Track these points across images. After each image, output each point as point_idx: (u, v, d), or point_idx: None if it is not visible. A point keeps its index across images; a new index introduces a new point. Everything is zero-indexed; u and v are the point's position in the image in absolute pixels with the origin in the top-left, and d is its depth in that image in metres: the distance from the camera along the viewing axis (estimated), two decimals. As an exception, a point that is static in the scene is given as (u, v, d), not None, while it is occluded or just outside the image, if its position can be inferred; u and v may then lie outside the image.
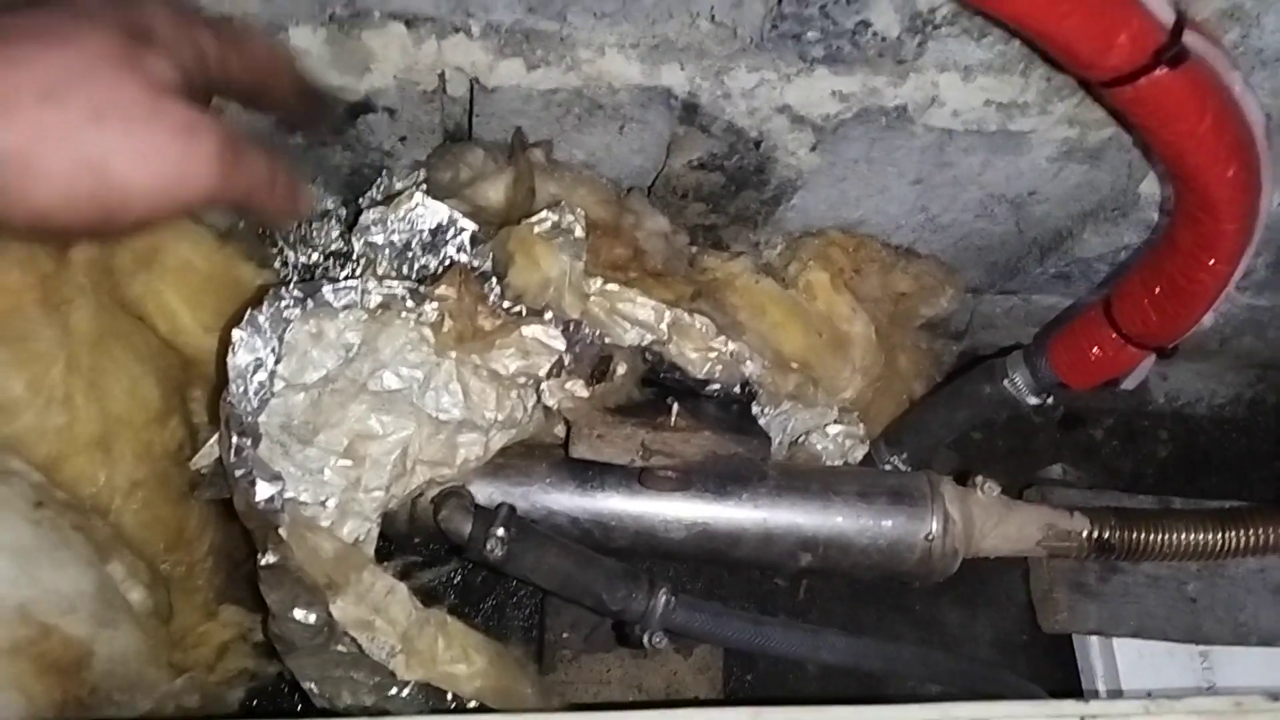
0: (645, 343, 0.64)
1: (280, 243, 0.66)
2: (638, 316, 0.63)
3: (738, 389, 0.69)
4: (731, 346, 0.67)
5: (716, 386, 0.68)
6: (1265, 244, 0.83)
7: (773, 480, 0.65)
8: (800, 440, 0.74)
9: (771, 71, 0.58)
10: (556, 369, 0.60)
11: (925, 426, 0.75)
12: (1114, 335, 0.61)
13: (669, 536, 0.64)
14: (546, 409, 0.62)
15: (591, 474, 0.64)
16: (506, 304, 0.59)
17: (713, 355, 0.66)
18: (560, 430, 0.65)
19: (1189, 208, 0.50)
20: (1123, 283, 0.61)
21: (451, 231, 0.62)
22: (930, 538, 0.63)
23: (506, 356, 0.58)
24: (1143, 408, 1.01)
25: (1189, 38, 0.43)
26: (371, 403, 0.58)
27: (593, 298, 0.63)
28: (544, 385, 0.60)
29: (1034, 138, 0.65)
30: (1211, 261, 0.52)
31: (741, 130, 0.62)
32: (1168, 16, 0.42)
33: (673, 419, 0.62)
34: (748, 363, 0.68)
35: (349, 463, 0.58)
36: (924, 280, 0.81)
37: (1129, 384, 0.66)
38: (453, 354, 0.58)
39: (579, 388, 0.60)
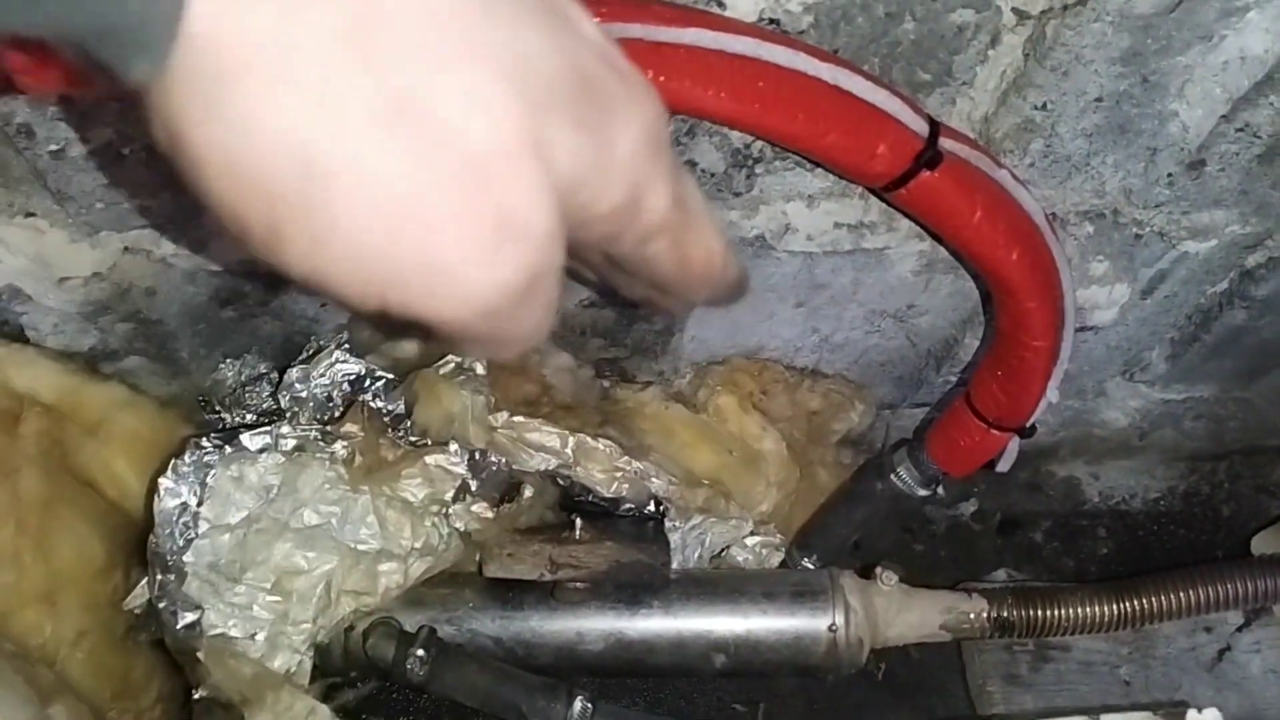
0: (552, 467, 0.69)
1: (218, 406, 0.72)
2: (543, 444, 0.69)
3: (651, 507, 0.74)
4: (637, 465, 0.72)
5: (629, 505, 0.73)
6: (1157, 336, 0.90)
7: (682, 587, 0.69)
8: (721, 553, 0.78)
9: (635, 213, 0.66)
10: (462, 493, 0.65)
11: (829, 528, 0.79)
12: (977, 422, 0.67)
13: (588, 649, 0.68)
14: (465, 536, 0.67)
15: (511, 595, 0.68)
16: (414, 438, 0.65)
17: (618, 475, 0.71)
18: (483, 558, 0.70)
19: (997, 293, 0.56)
20: (976, 372, 0.67)
21: (368, 381, 0.69)
22: (834, 628, 0.67)
23: (414, 485, 0.64)
24: (1079, 507, 1.04)
25: (947, 143, 0.50)
26: (295, 540, 0.63)
27: (499, 429, 0.68)
28: (451, 509, 0.65)
29: (891, 254, 0.72)
30: (1032, 340, 0.58)
31: (619, 268, 0.69)
32: (922, 126, 0.49)
33: (577, 533, 0.66)
34: (654, 479, 0.73)
35: (277, 598, 0.62)
36: (832, 398, 0.86)
37: (1003, 466, 0.70)
38: (366, 487, 0.63)
39: (484, 510, 0.65)
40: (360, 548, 0.64)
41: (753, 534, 0.78)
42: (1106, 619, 0.68)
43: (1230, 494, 1.06)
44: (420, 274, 0.25)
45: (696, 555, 0.76)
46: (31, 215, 0.60)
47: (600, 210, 0.29)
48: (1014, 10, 0.53)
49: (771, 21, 0.50)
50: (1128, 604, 0.69)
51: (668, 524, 0.74)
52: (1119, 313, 0.79)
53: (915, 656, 0.87)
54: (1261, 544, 0.88)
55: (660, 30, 0.45)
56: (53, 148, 0.54)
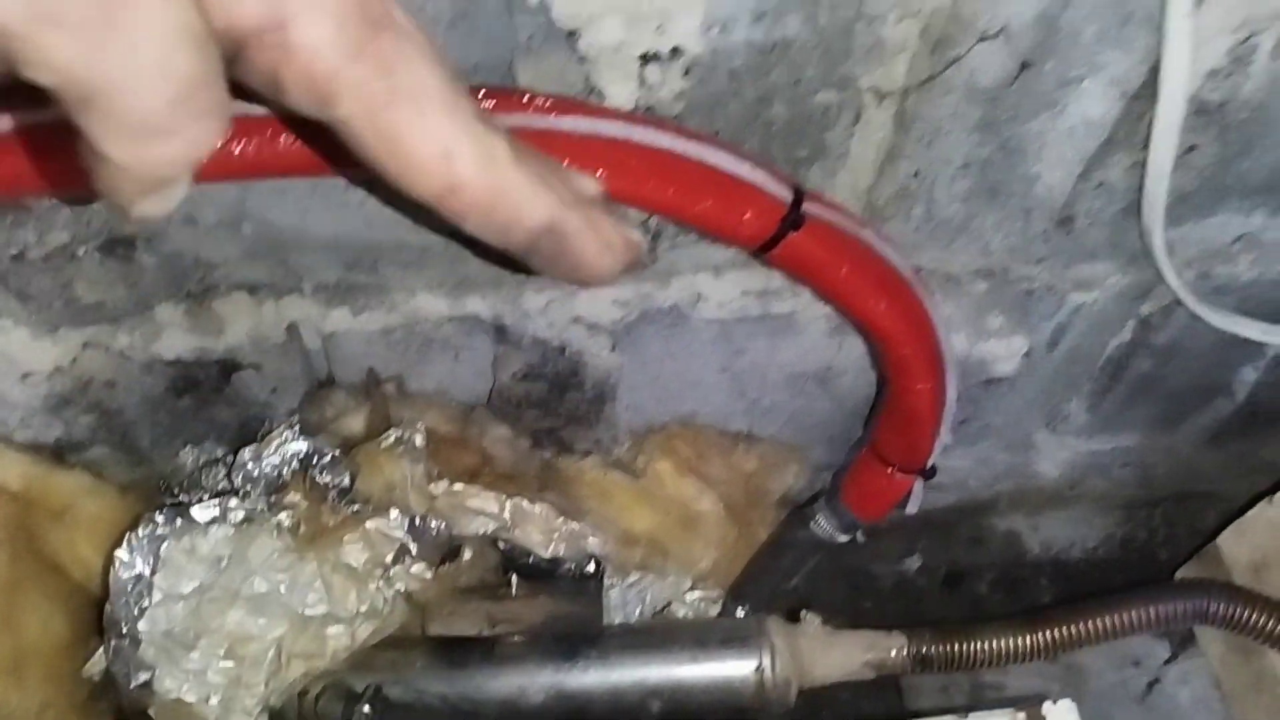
0: (490, 531, 0.74)
1: (176, 489, 0.77)
2: (481, 508, 0.74)
3: (590, 566, 0.78)
4: (573, 525, 0.76)
5: (569, 565, 0.77)
6: (1072, 387, 0.95)
7: (618, 638, 0.73)
8: (663, 610, 0.82)
9: (555, 290, 0.71)
10: (402, 556, 0.69)
11: (758, 577, 0.83)
12: (882, 467, 0.71)
13: (530, 703, 0.72)
14: (408, 598, 0.71)
15: (457, 654, 0.72)
16: (356, 507, 0.70)
17: (555, 535, 0.76)
18: (431, 621, 0.74)
19: (876, 343, 0.61)
20: (876, 420, 0.72)
21: (316, 459, 0.74)
22: (760, 670, 0.71)
23: (356, 549, 0.68)
24: (1020, 559, 1.08)
25: (811, 207, 0.56)
26: (246, 607, 0.67)
27: (440, 497, 0.73)
28: (392, 571, 0.69)
29: (799, 318, 0.77)
30: (915, 384, 0.63)
31: (546, 341, 0.75)
32: (785, 193, 0.55)
33: (513, 589, 0.71)
34: (590, 539, 0.77)
35: (230, 663, 0.66)
36: (767, 459, 0.91)
37: (911, 508, 0.75)
38: (311, 554, 0.67)
39: (424, 570, 0.69)
40: (308, 613, 0.68)
41: (692, 589, 0.82)
42: (1025, 649, 0.72)
43: (1166, 539, 1.10)
44: None
45: (638, 612, 0.80)
46: (-4, 315, 0.66)
47: (239, 20, 0.28)
48: (871, 90, 0.60)
49: (647, 109, 0.56)
50: (1044, 633, 0.73)
51: (606, 581, 0.78)
52: (1022, 363, 0.85)
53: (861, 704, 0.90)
54: (1183, 576, 0.92)
55: (542, 119, 0.51)
56: (13, 252, 0.60)
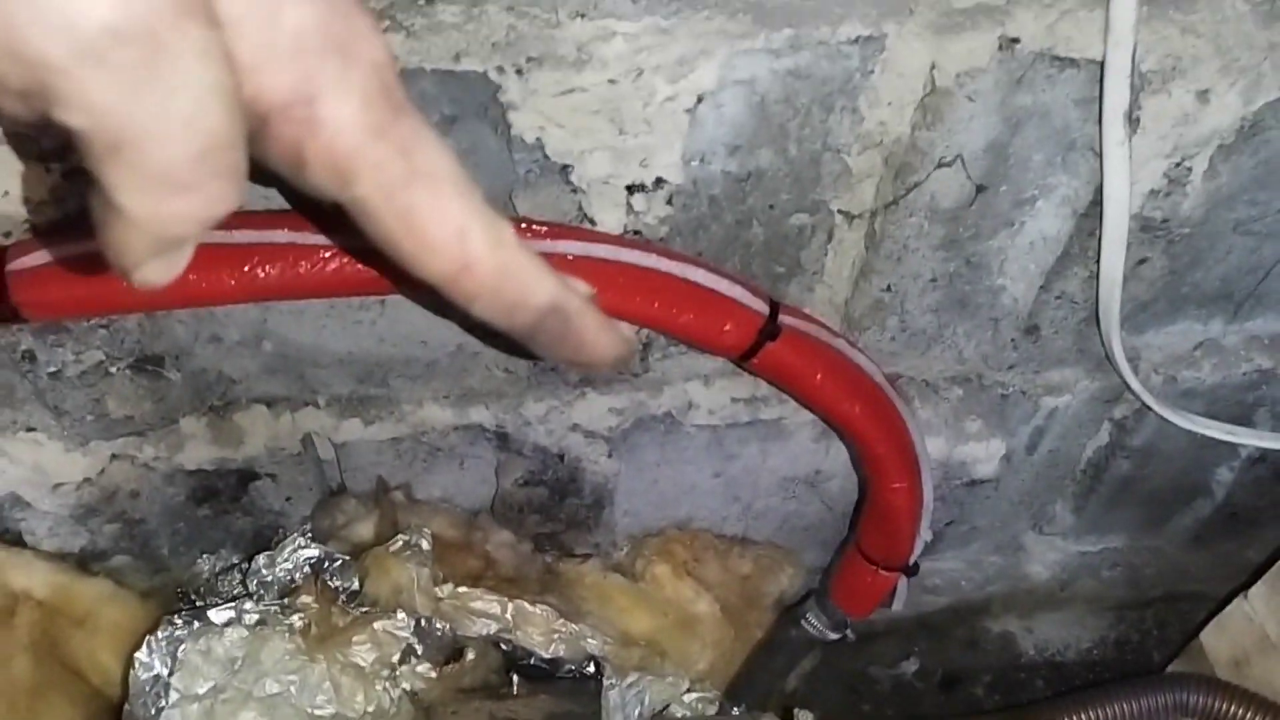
0: (493, 632, 0.77)
1: (193, 595, 0.80)
2: (484, 610, 0.77)
3: (590, 667, 0.81)
4: (573, 627, 0.79)
5: (570, 666, 0.80)
6: (1055, 489, 0.99)
7: (617, 737, 0.75)
8: (662, 710, 0.84)
9: (554, 399, 0.76)
10: (408, 656, 0.72)
11: (753, 677, 0.85)
12: (867, 565, 0.75)
13: (532, 801, 0.74)
14: (413, 698, 0.74)
15: (460, 755, 0.74)
16: (365, 609, 0.73)
17: (556, 636, 0.78)
18: (435, 722, 0.76)
19: (853, 445, 0.66)
20: (860, 519, 0.76)
21: (327, 563, 0.77)
22: (755, 768, 0.73)
23: (363, 650, 0.71)
24: (1016, 661, 1.10)
25: (787, 319, 0.61)
26: (259, 708, 0.70)
27: (444, 600, 0.76)
28: (398, 671, 0.72)
29: (787, 423, 0.81)
30: (891, 483, 0.67)
31: (546, 449, 0.79)
32: (762, 306, 0.60)
33: (515, 689, 0.73)
34: (590, 640, 0.80)
35: (242, 763, 0.69)
36: (762, 563, 0.94)
37: (897, 605, 0.78)
38: (321, 655, 0.70)
39: (429, 670, 0.72)
40: (318, 713, 0.70)
41: (690, 690, 0.84)
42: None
43: (1160, 640, 1.11)
44: (23, 6, 0.24)
45: (636, 712, 0.82)
46: (32, 430, 0.70)
47: (266, 91, 0.29)
48: (840, 212, 0.65)
49: (635, 232, 0.62)
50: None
51: (606, 682, 0.81)
52: (1003, 465, 0.89)
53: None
54: (1170, 671, 0.94)
55: (539, 243, 0.56)
56: (51, 369, 0.65)
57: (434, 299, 0.36)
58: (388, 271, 0.52)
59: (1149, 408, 0.80)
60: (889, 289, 0.71)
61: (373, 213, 0.32)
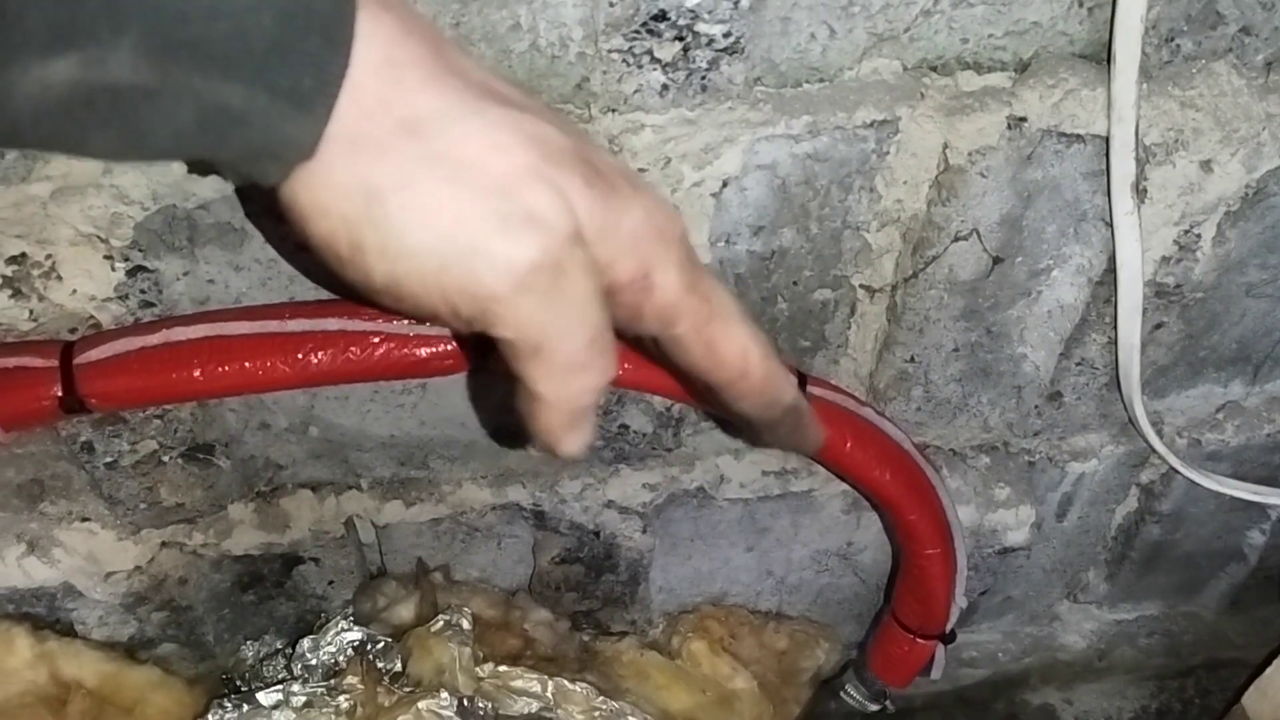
0: (534, 710, 0.77)
1: (238, 681, 0.82)
2: (525, 689, 0.78)
3: (630, 746, 0.81)
4: (613, 704, 0.80)
5: (609, 745, 0.80)
6: (1087, 556, 0.99)
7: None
8: (702, 789, 0.84)
9: (589, 477, 0.78)
10: (452, 735, 0.73)
11: (794, 751, 0.85)
12: (904, 633, 0.75)
13: None
14: (457, 779, 0.75)
15: (504, 835, 0.75)
16: (408, 689, 0.74)
17: (596, 714, 0.79)
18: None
19: (885, 512, 0.67)
20: (895, 588, 0.77)
21: (369, 645, 0.79)
22: (799, 841, 0.73)
23: (409, 729, 0.72)
24: (1057, 733, 1.09)
25: (815, 390, 0.63)
26: (305, 789, 0.71)
27: (486, 679, 0.77)
28: (442, 750, 0.73)
29: (818, 495, 0.83)
30: (924, 549, 0.68)
31: (582, 525, 0.81)
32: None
33: (556, 766, 0.74)
34: (630, 717, 0.80)
35: (289, 843, 0.69)
36: (797, 638, 0.95)
37: (935, 674, 0.78)
38: (367, 736, 0.72)
39: (472, 749, 0.73)
40: (364, 793, 0.71)
41: (730, 767, 0.84)
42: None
43: (1203, 709, 1.10)
44: (463, 259, 0.33)
45: (678, 791, 0.82)
46: (86, 520, 0.72)
47: (618, 275, 0.36)
48: (862, 286, 0.68)
49: (666, 311, 0.64)
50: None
51: (646, 760, 0.81)
52: (1033, 533, 0.89)
53: None
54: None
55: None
56: (108, 460, 0.68)
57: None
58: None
59: (1176, 471, 0.81)
60: (912, 360, 0.73)
61: (687, 345, 0.40)
